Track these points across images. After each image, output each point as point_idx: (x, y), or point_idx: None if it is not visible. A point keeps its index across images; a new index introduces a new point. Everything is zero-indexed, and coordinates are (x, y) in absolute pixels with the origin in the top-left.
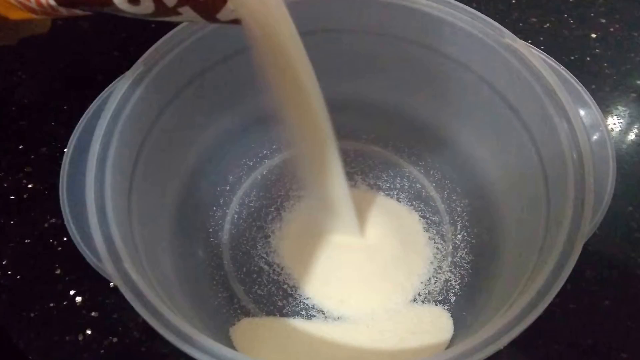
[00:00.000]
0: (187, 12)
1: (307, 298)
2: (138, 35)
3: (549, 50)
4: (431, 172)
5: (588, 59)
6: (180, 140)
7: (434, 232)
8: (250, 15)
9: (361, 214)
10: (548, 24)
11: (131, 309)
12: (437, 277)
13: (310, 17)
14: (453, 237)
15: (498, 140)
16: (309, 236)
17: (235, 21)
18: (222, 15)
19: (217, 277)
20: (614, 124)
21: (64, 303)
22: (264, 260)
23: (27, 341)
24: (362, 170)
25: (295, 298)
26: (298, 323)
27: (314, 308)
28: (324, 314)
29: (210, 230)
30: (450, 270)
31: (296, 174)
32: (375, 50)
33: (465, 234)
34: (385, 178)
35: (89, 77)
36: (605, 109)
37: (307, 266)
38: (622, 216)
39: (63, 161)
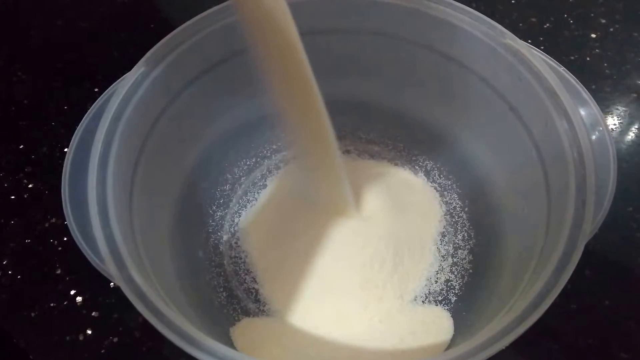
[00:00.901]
0: None
1: (306, 297)
2: (138, 36)
3: (549, 50)
4: (431, 172)
5: (588, 59)
6: (181, 141)
7: (434, 232)
8: None
9: (361, 214)
10: (548, 24)
11: (132, 308)
12: (437, 277)
13: (310, 17)
14: (453, 237)
15: (498, 140)
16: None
17: None
18: None
19: (217, 277)
20: (614, 124)
21: (65, 303)
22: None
23: (27, 341)
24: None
25: (295, 297)
26: (298, 323)
27: (312, 307)
28: (323, 313)
29: (210, 230)
30: (451, 271)
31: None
32: (375, 51)
33: (465, 234)
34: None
35: (89, 77)
36: (605, 109)
37: (306, 267)
38: (622, 216)
39: (65, 161)
